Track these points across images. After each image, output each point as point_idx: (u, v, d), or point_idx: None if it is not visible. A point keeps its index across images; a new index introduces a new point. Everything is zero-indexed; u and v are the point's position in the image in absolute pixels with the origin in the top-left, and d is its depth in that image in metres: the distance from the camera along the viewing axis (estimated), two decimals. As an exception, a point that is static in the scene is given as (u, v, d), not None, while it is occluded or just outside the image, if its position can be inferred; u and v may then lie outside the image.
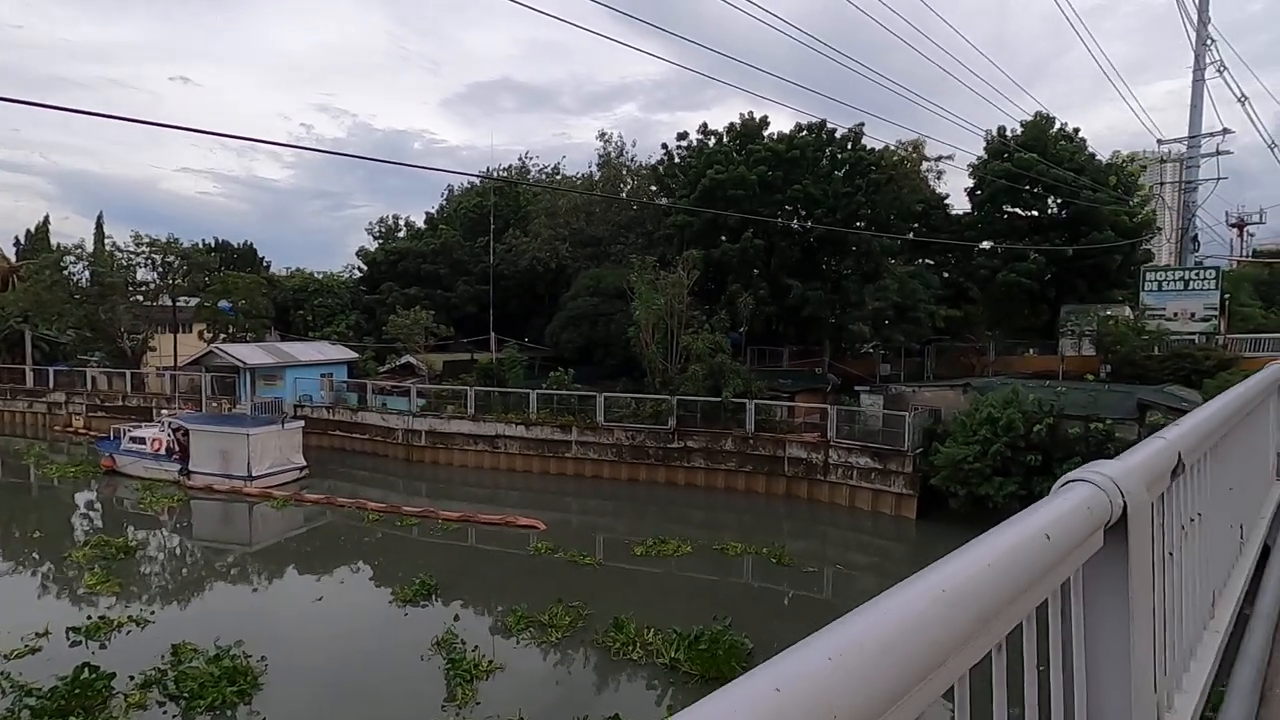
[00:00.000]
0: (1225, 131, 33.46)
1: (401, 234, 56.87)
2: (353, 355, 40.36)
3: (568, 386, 32.91)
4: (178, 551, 23.85)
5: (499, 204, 52.87)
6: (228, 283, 40.47)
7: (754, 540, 22.90)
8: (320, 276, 46.45)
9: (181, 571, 21.93)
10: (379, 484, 32.34)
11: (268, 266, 60.50)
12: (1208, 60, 33.42)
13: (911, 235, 38.89)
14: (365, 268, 51.30)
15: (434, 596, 18.23)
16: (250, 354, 36.42)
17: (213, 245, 55.42)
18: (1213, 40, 32.53)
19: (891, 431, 25.69)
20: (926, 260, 40.54)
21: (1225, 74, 32.55)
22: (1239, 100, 35.62)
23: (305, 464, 29.86)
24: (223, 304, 41.52)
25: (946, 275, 41.25)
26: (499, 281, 46.11)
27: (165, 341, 45.28)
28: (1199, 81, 33.81)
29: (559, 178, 55.25)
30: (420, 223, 57.50)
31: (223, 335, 41.31)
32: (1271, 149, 36.50)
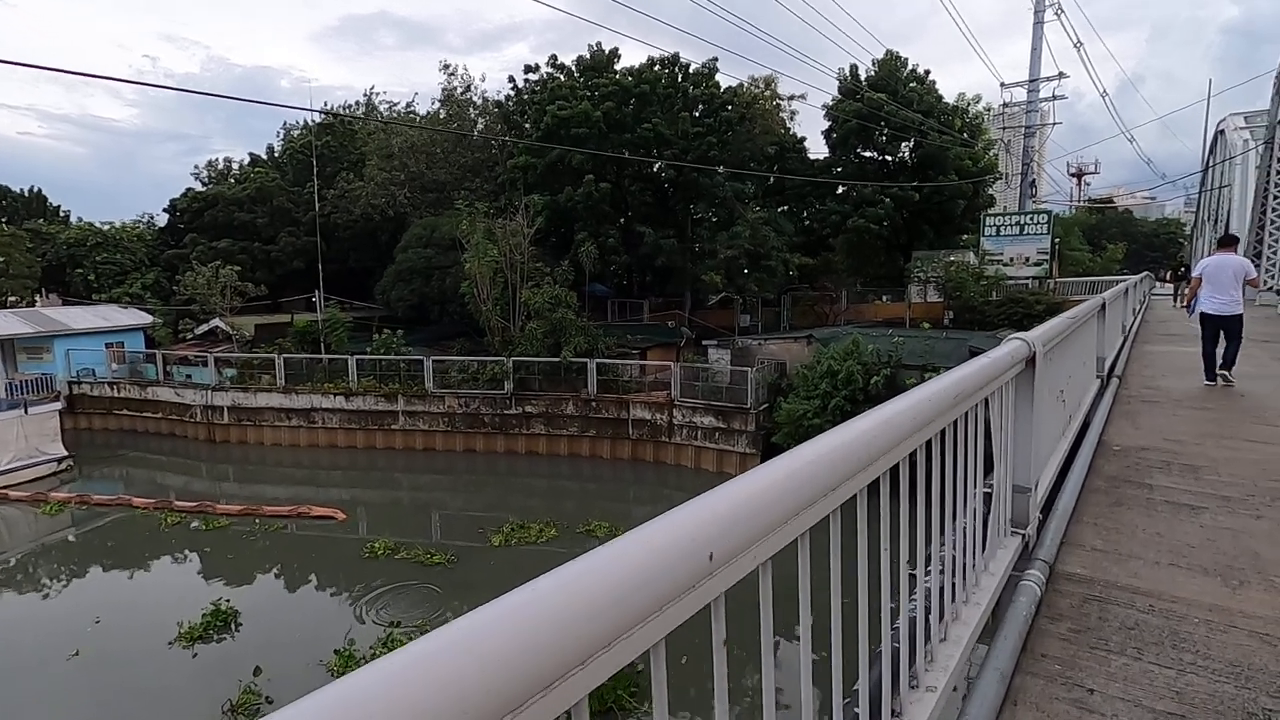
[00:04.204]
0: (1061, 76, 33.94)
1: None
2: (148, 320, 34.66)
3: (397, 349, 29.42)
4: None
5: (333, 144, 47.15)
6: (-31, 237, 33.23)
7: (602, 511, 21.09)
8: (105, 228, 39.24)
9: None
10: (177, 469, 27.97)
11: (65, 218, 51.51)
12: (1047, 3, 33.48)
13: (772, 179, 37.59)
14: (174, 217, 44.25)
15: (233, 627, 14.51)
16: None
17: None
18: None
19: (736, 388, 24.44)
20: (783, 207, 39.46)
21: (1062, 16, 32.72)
22: (1075, 46, 36.35)
23: (66, 454, 24.95)
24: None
25: (807, 222, 40.46)
26: (334, 233, 41.07)
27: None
28: (1038, 25, 33.91)
29: (410, 116, 49.74)
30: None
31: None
32: (1104, 97, 37.75)
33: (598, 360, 26.63)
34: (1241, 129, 34.46)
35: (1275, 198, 26.59)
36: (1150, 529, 3.52)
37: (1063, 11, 33.03)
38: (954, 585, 2.23)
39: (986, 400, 2.52)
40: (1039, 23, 34.06)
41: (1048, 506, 3.47)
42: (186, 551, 19.42)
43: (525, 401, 26.68)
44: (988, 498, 2.84)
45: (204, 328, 34.32)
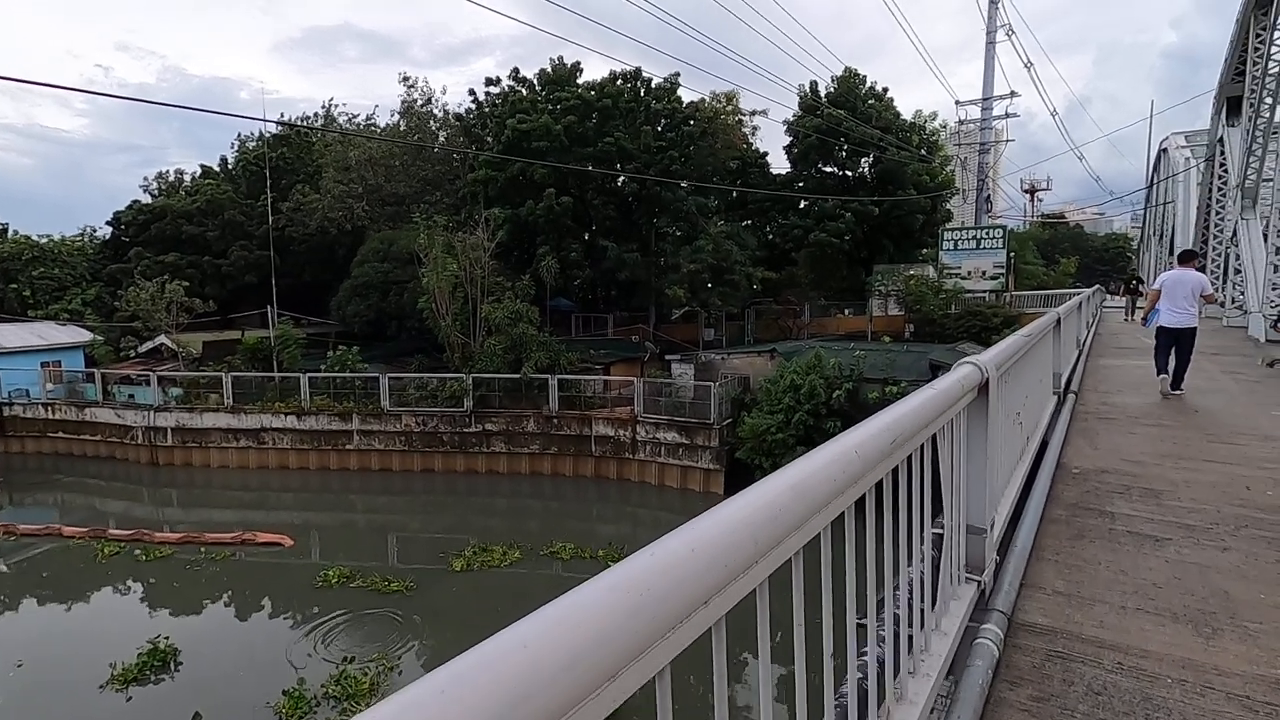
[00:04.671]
0: (1013, 94, 34.84)
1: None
2: (87, 338, 33.14)
3: (353, 366, 28.53)
4: None
5: (289, 156, 46.04)
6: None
7: (566, 532, 20.52)
8: (43, 240, 37.55)
9: None
10: (116, 495, 26.66)
11: (2, 231, 49.28)
12: (998, 23, 34.38)
13: (734, 193, 37.69)
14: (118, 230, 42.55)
15: (172, 667, 13.55)
16: (-78, 342, 28.48)
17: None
18: None
19: (700, 403, 24.19)
20: (746, 221, 39.63)
21: (1013, 38, 33.60)
22: (1025, 66, 37.38)
23: (-9, 481, 23.51)
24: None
25: (770, 236, 40.68)
26: (288, 247, 39.92)
27: None
28: (990, 45, 34.80)
29: (370, 128, 48.84)
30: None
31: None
32: (1054, 116, 38.89)
33: (559, 376, 26.16)
34: (1183, 147, 35.73)
35: (1216, 213, 27.49)
36: (1114, 565, 3.26)
37: (1014, 33, 34.02)
38: (897, 657, 1.90)
39: (934, 436, 2.22)
40: (991, 43, 34.99)
41: (1005, 543, 3.19)
42: (125, 584, 18.29)
43: (485, 419, 26.04)
44: (938, 540, 2.54)
45: (148, 345, 32.89)
